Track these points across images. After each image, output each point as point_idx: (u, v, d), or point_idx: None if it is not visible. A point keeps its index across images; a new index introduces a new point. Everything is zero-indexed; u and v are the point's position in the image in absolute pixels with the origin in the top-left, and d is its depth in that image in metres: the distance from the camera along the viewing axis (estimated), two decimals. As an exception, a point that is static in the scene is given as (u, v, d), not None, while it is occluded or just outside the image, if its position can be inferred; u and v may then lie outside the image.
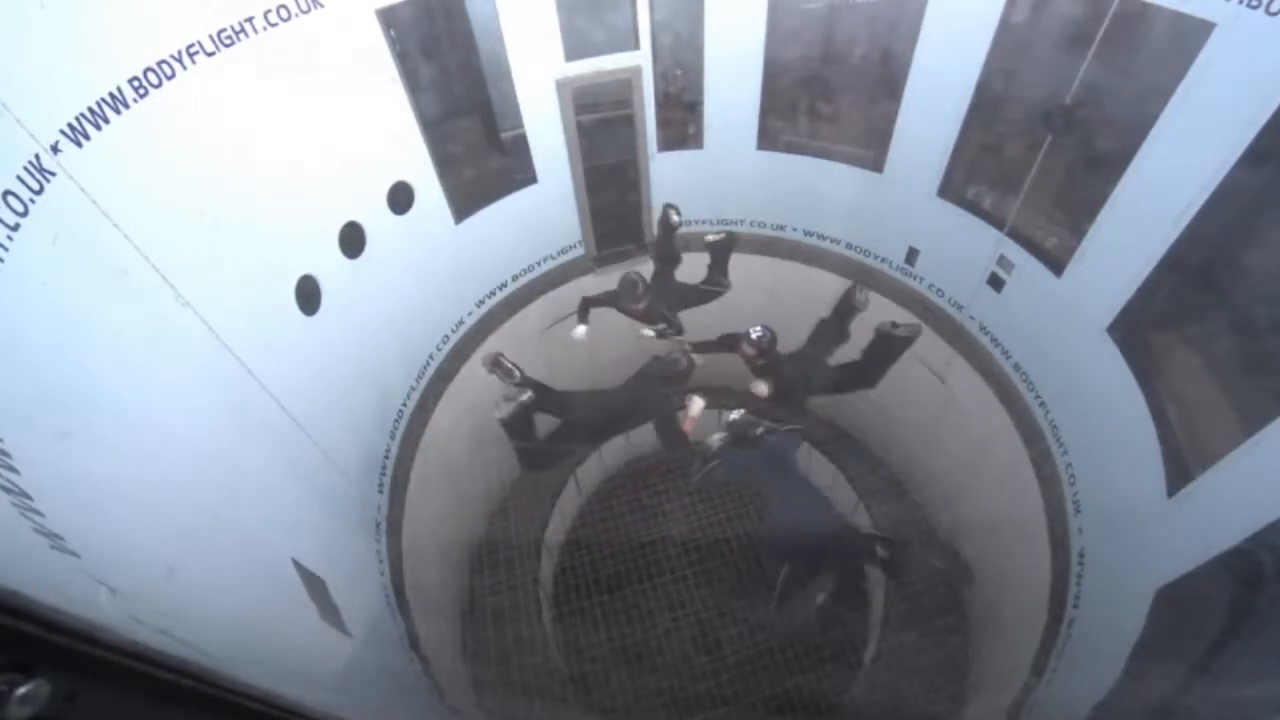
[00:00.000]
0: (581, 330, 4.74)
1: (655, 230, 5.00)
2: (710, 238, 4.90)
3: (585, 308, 4.81)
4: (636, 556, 6.29)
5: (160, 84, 2.52)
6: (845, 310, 4.40)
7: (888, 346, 4.23)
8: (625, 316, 4.79)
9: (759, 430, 3.70)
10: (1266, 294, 3.32)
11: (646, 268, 5.74)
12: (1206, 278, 3.46)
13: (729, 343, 4.41)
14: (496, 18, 4.25)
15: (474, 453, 5.76)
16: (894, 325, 4.21)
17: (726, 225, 5.87)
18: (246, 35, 2.94)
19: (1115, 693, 3.25)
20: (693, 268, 5.21)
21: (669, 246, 4.93)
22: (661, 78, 5.07)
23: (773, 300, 6.02)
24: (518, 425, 4.28)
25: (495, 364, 4.19)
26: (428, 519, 4.82)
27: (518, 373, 4.21)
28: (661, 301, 4.75)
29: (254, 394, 3.05)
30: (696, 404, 4.28)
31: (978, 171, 4.62)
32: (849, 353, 4.51)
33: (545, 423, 4.64)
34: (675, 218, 4.75)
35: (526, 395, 4.19)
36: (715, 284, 5.03)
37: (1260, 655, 2.70)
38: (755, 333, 4.20)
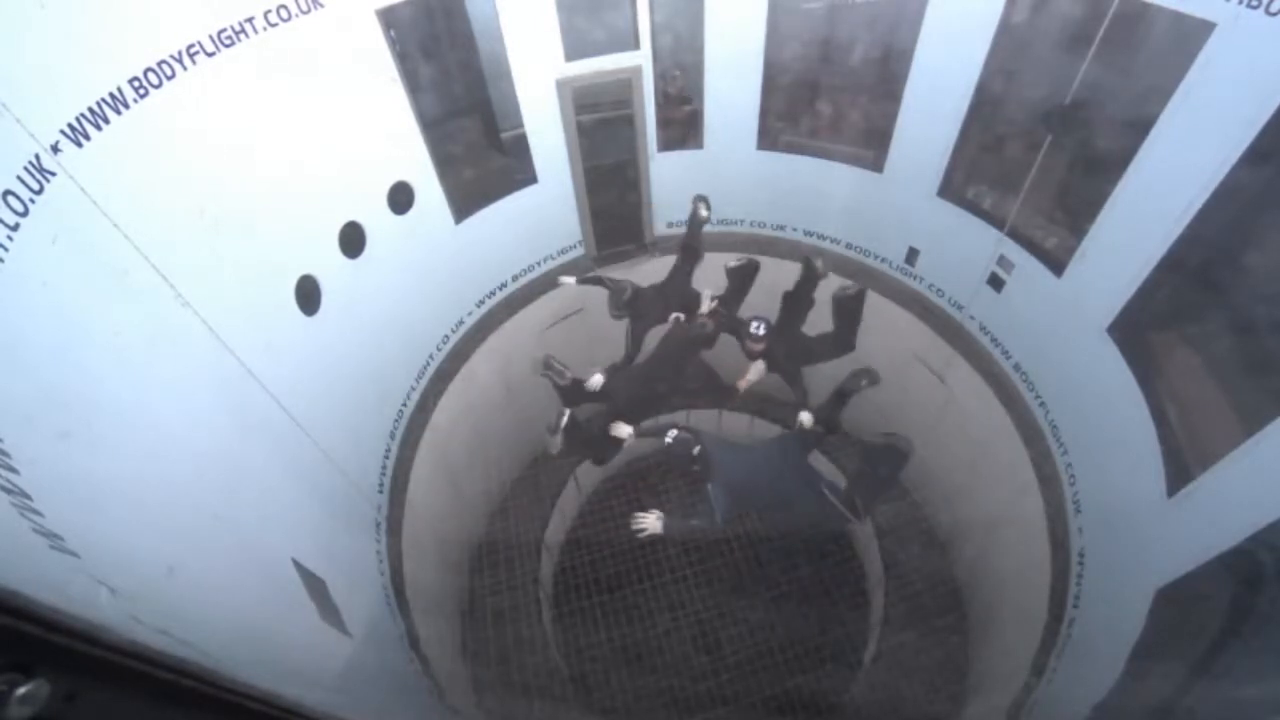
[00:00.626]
0: (570, 280, 4.85)
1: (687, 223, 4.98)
2: (731, 264, 4.84)
3: (594, 280, 4.82)
4: (636, 556, 6.29)
5: (160, 84, 2.52)
6: (809, 281, 4.47)
7: (848, 308, 4.36)
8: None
9: (696, 449, 3.69)
10: (1266, 294, 3.32)
11: (648, 268, 5.76)
12: (1206, 278, 3.45)
13: (731, 325, 4.47)
14: (496, 18, 4.25)
15: (474, 453, 5.76)
16: (844, 289, 4.36)
17: (727, 225, 5.87)
18: (246, 35, 2.94)
19: (1115, 693, 3.25)
20: (709, 266, 5.17)
21: (694, 240, 4.91)
22: (660, 78, 5.07)
23: (772, 299, 6.01)
24: (574, 441, 4.40)
25: (547, 366, 4.36)
26: (428, 519, 4.83)
27: (567, 373, 4.38)
28: (666, 303, 4.76)
29: (254, 394, 3.05)
30: (757, 369, 4.34)
31: (978, 171, 4.62)
32: (821, 325, 4.62)
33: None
34: (704, 212, 4.72)
35: (565, 418, 4.28)
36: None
37: (1260, 655, 2.70)
38: (758, 329, 4.26)
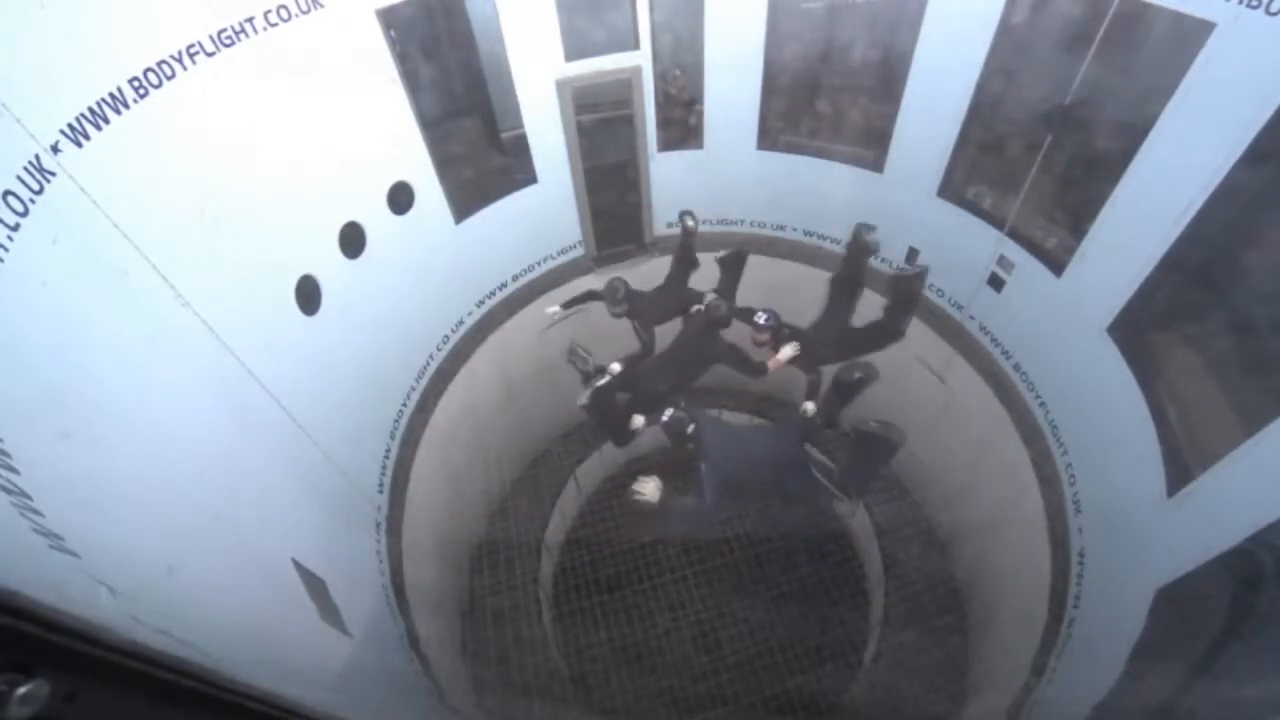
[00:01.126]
0: (556, 309, 4.96)
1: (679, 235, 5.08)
2: (720, 254, 4.95)
3: (584, 299, 4.92)
4: (636, 556, 6.29)
5: (160, 84, 2.52)
6: (857, 255, 4.35)
7: (905, 290, 4.23)
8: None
9: (690, 428, 3.74)
10: (1266, 294, 3.31)
11: (648, 268, 5.76)
12: (1206, 278, 3.45)
13: (738, 314, 4.53)
14: (496, 18, 4.25)
15: (474, 453, 5.76)
16: (904, 269, 4.30)
17: (727, 225, 5.87)
18: (246, 35, 2.94)
19: (1115, 693, 3.25)
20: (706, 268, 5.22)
21: (687, 251, 4.97)
22: (660, 78, 5.07)
23: (772, 300, 5.99)
24: (600, 406, 4.47)
25: (572, 353, 4.54)
26: (428, 519, 4.83)
27: (591, 360, 4.54)
28: (663, 306, 4.79)
29: (254, 394, 3.05)
30: (790, 348, 4.33)
31: (978, 171, 4.62)
32: (869, 314, 4.50)
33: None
34: (690, 223, 4.82)
35: (604, 379, 4.37)
36: (732, 287, 5.06)
37: (1260, 655, 2.70)
38: (761, 319, 4.26)
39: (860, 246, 4.33)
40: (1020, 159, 4.23)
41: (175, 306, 2.56)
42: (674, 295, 4.88)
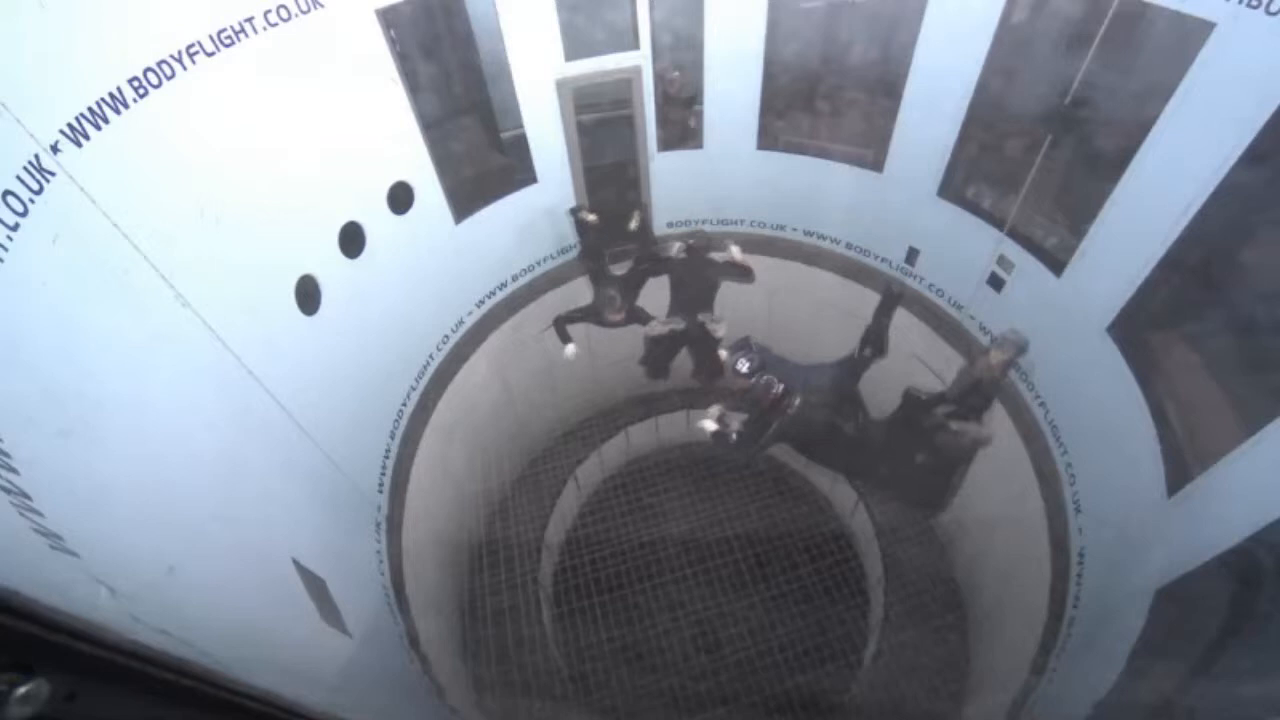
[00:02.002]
0: (570, 349, 4.76)
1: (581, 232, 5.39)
2: (633, 224, 5.30)
3: (562, 327, 4.72)
4: (636, 556, 6.29)
5: (160, 84, 2.52)
6: (989, 381, 3.80)
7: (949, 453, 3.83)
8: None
9: (778, 389, 3.43)
10: (1266, 293, 3.32)
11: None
12: (1206, 277, 3.46)
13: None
14: (496, 18, 4.25)
15: (474, 453, 5.76)
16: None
17: (726, 225, 5.87)
18: (246, 35, 2.94)
19: (1115, 692, 3.25)
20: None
21: (599, 243, 5.25)
22: (659, 77, 5.07)
23: (773, 301, 6.01)
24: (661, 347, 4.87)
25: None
26: (428, 519, 4.83)
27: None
28: (625, 294, 4.82)
29: (254, 394, 3.05)
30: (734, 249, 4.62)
31: (978, 171, 4.62)
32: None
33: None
34: (590, 217, 5.11)
35: (680, 325, 4.74)
36: (649, 250, 5.26)
37: (1260, 655, 2.70)
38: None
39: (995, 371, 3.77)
40: (1020, 159, 4.23)
41: (175, 306, 2.56)
42: (624, 281, 4.97)
